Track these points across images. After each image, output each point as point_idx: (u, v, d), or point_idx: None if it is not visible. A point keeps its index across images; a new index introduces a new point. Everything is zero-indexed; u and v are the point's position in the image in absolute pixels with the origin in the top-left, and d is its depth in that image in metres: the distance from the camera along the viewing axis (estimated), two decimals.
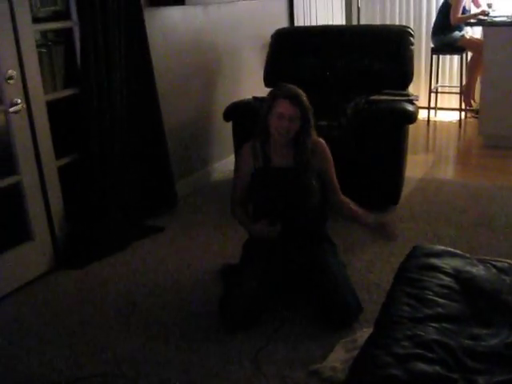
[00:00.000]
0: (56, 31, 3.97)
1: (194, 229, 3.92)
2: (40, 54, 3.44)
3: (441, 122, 6.54)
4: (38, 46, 3.35)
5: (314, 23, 6.14)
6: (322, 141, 2.94)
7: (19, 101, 3.15)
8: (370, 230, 3.07)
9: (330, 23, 6.49)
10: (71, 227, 3.58)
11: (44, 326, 2.90)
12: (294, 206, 2.88)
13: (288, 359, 2.52)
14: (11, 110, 3.12)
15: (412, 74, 4.37)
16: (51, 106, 3.41)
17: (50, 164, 3.42)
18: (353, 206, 2.97)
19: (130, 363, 2.57)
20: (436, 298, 1.93)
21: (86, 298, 3.14)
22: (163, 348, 2.66)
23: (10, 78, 3.09)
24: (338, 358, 2.45)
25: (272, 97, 2.80)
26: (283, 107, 2.72)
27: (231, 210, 3.07)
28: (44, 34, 3.97)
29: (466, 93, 6.41)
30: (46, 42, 4.09)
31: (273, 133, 2.79)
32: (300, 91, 2.79)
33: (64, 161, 3.55)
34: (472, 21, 6.12)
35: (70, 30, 3.53)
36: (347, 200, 2.99)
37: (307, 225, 2.94)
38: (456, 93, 6.50)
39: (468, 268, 2.12)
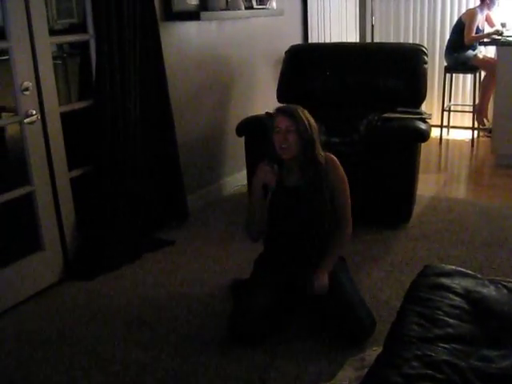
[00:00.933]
0: (72, 44, 4.00)
1: (204, 243, 3.93)
2: (55, 66, 3.47)
3: (453, 141, 6.52)
4: (53, 58, 3.39)
5: (327, 40, 6.17)
6: (333, 158, 2.90)
7: (34, 112, 3.18)
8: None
9: (344, 40, 6.52)
10: (82, 238, 3.59)
11: (52, 336, 2.91)
12: (305, 225, 2.87)
13: (296, 376, 2.51)
14: (26, 120, 3.15)
15: (425, 93, 4.37)
16: (65, 118, 3.43)
17: (63, 175, 3.44)
18: (330, 256, 2.87)
19: (136, 376, 2.57)
20: (446, 318, 1.91)
21: (94, 310, 3.14)
22: (170, 362, 2.65)
23: (26, 89, 3.13)
24: (347, 377, 2.43)
25: (273, 116, 2.85)
26: (278, 121, 2.78)
27: (245, 228, 3.05)
28: (60, 46, 4.01)
29: (478, 112, 6.40)
30: (61, 54, 4.13)
31: (278, 151, 2.80)
32: (297, 107, 2.82)
33: (76, 172, 3.57)
34: (486, 40, 6.13)
35: (86, 43, 3.57)
36: (338, 239, 2.91)
37: (319, 245, 2.92)
38: (469, 111, 6.50)
39: (479, 288, 2.11)
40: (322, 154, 2.85)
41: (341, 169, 2.89)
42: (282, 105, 2.97)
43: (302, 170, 2.84)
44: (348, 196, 2.90)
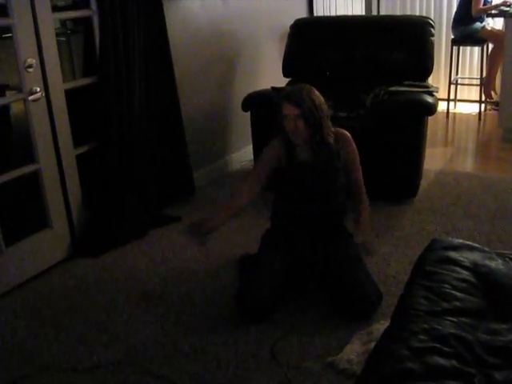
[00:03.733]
0: (75, 20, 3.97)
1: None
2: (59, 43, 3.44)
3: (460, 114, 6.47)
4: (57, 35, 3.36)
5: (333, 13, 6.11)
6: (345, 134, 2.91)
7: (38, 89, 3.16)
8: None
9: (350, 13, 6.45)
10: (89, 215, 3.60)
11: (61, 313, 2.93)
12: (317, 200, 2.88)
13: (304, 351, 2.52)
14: (30, 98, 3.14)
15: (432, 66, 4.33)
16: (70, 95, 3.42)
17: (69, 152, 3.44)
18: (364, 212, 2.96)
19: (144, 352, 2.58)
20: (454, 292, 1.91)
21: (102, 286, 3.16)
22: (178, 338, 2.67)
23: (30, 66, 3.11)
24: (354, 350, 2.44)
25: (280, 102, 2.83)
26: (285, 109, 2.77)
27: (237, 189, 3.05)
28: (63, 22, 3.98)
29: (486, 85, 6.34)
30: (65, 31, 4.10)
31: (290, 137, 2.81)
32: (302, 89, 2.78)
33: (82, 149, 3.57)
34: (493, 12, 6.04)
35: (89, 19, 3.53)
36: (363, 204, 2.99)
37: (329, 221, 2.93)
38: (476, 85, 6.44)
39: (486, 262, 2.10)
40: (331, 134, 2.84)
41: (352, 144, 2.91)
42: (288, 89, 2.91)
43: (314, 150, 2.84)
44: (360, 170, 2.95)
